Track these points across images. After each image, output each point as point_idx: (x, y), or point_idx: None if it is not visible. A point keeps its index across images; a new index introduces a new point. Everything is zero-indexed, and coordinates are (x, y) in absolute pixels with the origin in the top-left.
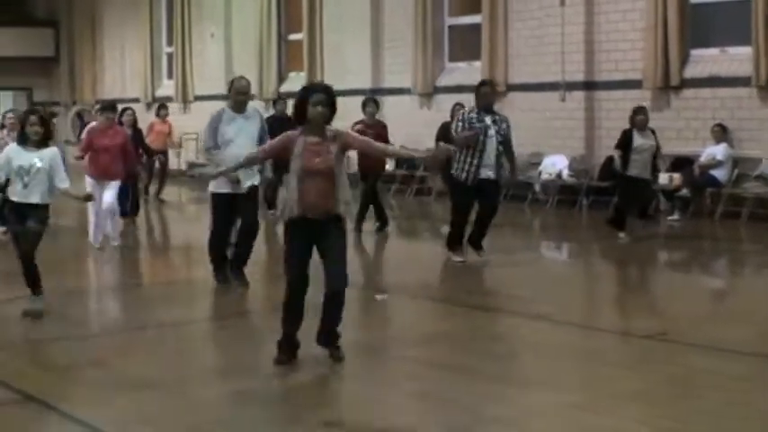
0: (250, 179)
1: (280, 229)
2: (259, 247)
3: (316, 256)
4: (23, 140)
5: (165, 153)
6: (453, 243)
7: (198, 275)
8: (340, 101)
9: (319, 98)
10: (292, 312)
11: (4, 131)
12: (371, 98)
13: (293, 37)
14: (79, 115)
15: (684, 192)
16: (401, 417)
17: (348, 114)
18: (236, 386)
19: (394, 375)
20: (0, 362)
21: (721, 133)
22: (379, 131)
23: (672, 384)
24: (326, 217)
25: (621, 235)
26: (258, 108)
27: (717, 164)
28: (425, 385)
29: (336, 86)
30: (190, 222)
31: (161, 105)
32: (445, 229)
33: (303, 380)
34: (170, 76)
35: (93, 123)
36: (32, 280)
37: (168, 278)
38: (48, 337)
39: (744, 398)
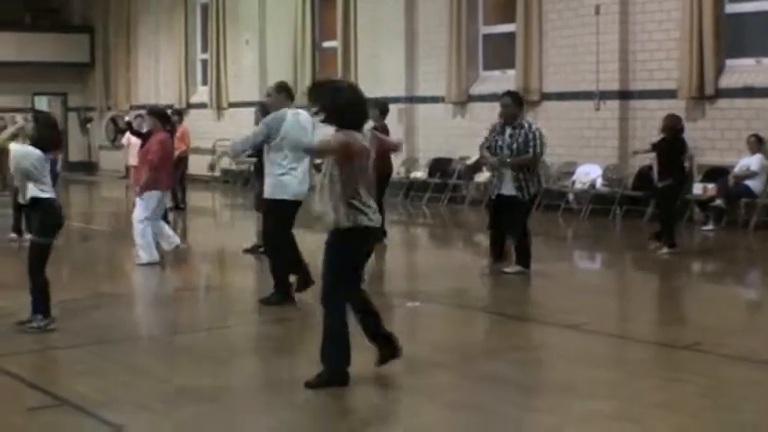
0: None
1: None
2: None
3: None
4: None
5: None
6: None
7: (239, 282)
8: None
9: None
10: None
11: None
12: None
13: (327, 44)
14: (113, 121)
15: (719, 202)
16: (440, 427)
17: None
18: (273, 397)
19: (431, 385)
20: (36, 367)
21: (756, 144)
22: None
23: (706, 395)
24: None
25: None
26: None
27: (751, 174)
28: (463, 395)
29: (370, 94)
30: (224, 229)
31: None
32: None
33: (339, 390)
34: (204, 82)
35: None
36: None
37: (207, 284)
38: (84, 341)
39: None
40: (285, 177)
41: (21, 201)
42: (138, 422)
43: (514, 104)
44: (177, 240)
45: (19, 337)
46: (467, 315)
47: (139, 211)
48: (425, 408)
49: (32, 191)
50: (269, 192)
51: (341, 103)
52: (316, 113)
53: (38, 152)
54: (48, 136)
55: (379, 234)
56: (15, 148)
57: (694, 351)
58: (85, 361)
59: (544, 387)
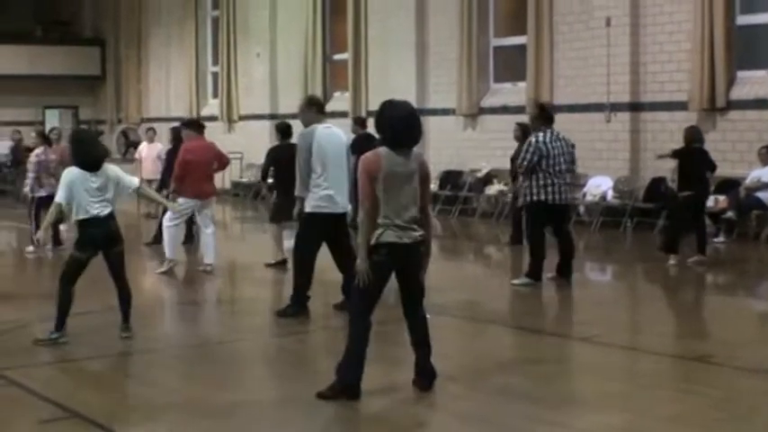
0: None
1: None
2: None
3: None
4: None
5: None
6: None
7: (254, 295)
8: None
9: None
10: None
11: (41, 149)
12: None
13: (338, 57)
14: (125, 134)
15: (730, 214)
16: None
17: None
18: (285, 411)
19: (442, 397)
20: (49, 379)
21: (767, 155)
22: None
23: (718, 407)
24: None
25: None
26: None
27: (762, 186)
28: (474, 407)
29: None
30: (237, 242)
31: (149, 128)
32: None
33: (351, 402)
34: (215, 95)
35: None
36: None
37: (221, 297)
38: (96, 354)
39: None
40: (321, 192)
41: (75, 218)
42: None
43: (534, 116)
44: (210, 261)
45: (31, 349)
46: (478, 327)
47: (168, 214)
48: (436, 419)
49: (76, 214)
50: (307, 205)
51: (382, 119)
52: None
53: (73, 174)
54: (86, 153)
55: (415, 251)
56: (61, 197)
57: (706, 363)
58: (98, 373)
59: (556, 399)
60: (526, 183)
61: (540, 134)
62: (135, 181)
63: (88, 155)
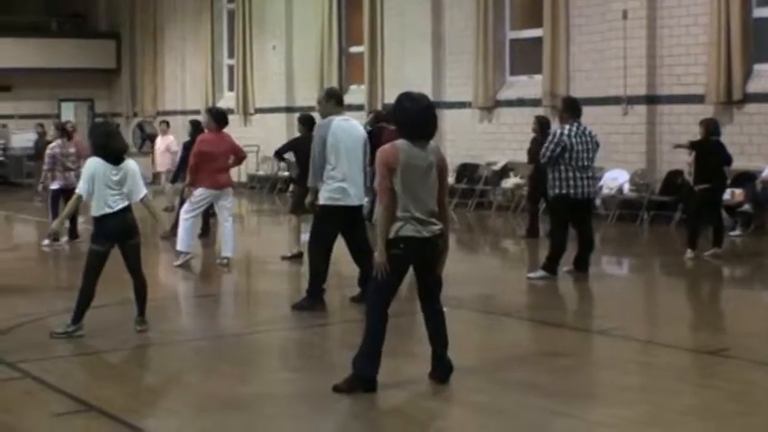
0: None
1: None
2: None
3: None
4: None
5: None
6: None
7: (270, 288)
8: None
9: None
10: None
11: (59, 141)
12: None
13: (354, 50)
14: (140, 127)
15: (746, 207)
16: (466, 431)
17: None
18: (300, 404)
19: (458, 389)
20: (64, 372)
21: None
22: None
23: (734, 401)
24: None
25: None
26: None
27: None
28: (490, 399)
29: None
30: (253, 235)
31: (162, 121)
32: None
33: (367, 395)
34: (231, 88)
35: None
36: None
37: (238, 290)
38: (112, 347)
39: None
40: (335, 184)
41: (94, 212)
42: (164, 428)
43: (562, 108)
44: (228, 254)
45: (47, 342)
46: (495, 321)
47: (185, 206)
48: (453, 412)
49: (95, 207)
50: (321, 197)
51: (399, 112)
52: None
53: (95, 165)
54: (110, 146)
55: (434, 245)
56: (82, 188)
57: (722, 356)
58: (114, 366)
59: (572, 392)
60: (549, 176)
61: (567, 127)
62: (144, 190)
63: (111, 147)
